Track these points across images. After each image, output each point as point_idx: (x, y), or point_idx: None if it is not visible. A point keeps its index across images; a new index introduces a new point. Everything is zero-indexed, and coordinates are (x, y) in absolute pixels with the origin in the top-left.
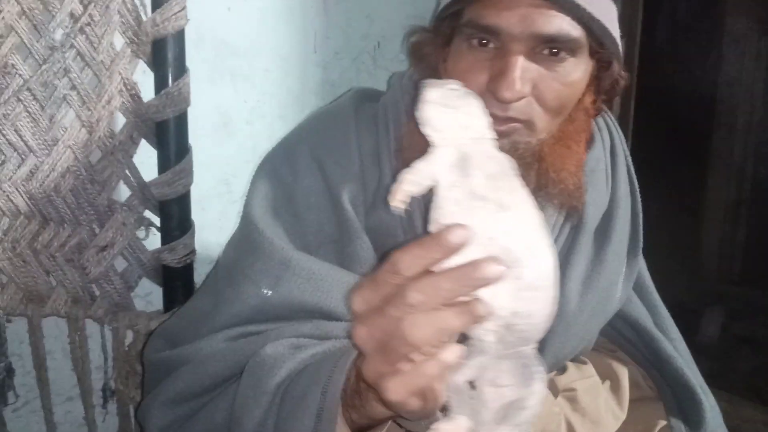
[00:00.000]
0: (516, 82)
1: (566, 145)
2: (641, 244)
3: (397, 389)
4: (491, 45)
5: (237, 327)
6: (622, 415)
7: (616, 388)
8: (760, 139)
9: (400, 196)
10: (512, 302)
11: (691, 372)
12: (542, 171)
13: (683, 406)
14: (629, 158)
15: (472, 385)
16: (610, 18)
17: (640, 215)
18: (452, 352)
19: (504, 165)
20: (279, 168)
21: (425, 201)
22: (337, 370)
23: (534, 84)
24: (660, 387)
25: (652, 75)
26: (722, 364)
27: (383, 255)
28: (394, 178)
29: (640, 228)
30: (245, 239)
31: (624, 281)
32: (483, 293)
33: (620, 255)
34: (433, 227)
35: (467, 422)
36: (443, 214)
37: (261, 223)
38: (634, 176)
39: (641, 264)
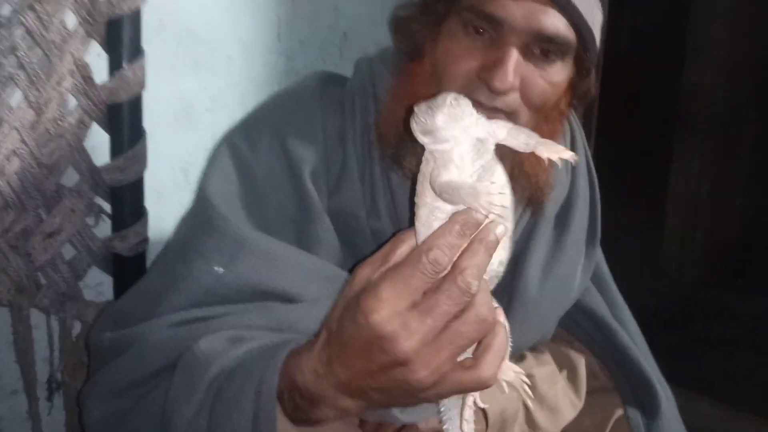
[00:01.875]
0: (510, 73)
1: None
2: (599, 235)
3: (494, 368)
4: (487, 34)
5: (183, 311)
6: (579, 404)
7: (573, 378)
8: (719, 142)
9: (495, 210)
10: (500, 255)
11: (647, 362)
12: (516, 163)
13: (639, 395)
14: (588, 151)
15: None
16: (597, 27)
17: (599, 207)
18: (499, 312)
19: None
20: (239, 145)
21: (390, 184)
22: (270, 369)
23: (522, 80)
24: (616, 377)
25: (615, 78)
26: (679, 362)
27: (346, 239)
28: (358, 162)
29: (599, 219)
30: (199, 216)
31: (583, 271)
32: None
33: (579, 244)
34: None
35: (470, 424)
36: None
37: (216, 199)
38: (593, 169)
39: (599, 256)
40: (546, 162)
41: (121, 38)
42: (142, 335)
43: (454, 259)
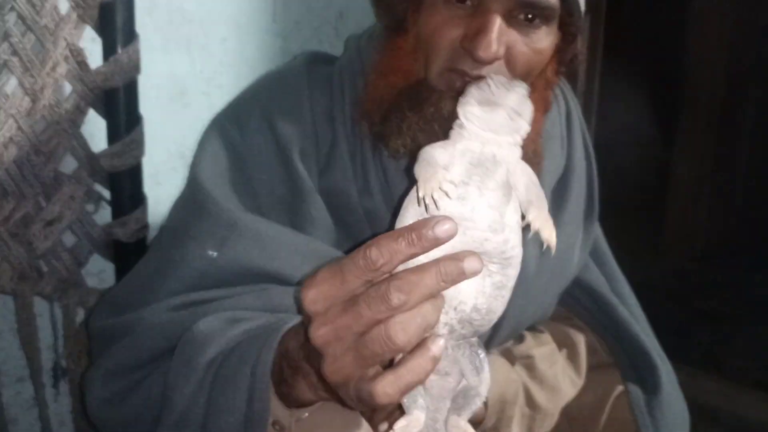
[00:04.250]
0: (494, 42)
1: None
2: (597, 211)
3: (388, 392)
4: (469, 2)
5: (180, 295)
6: (580, 382)
7: (573, 356)
8: (722, 118)
9: (434, 186)
10: (475, 298)
11: (647, 338)
12: None
13: (640, 371)
14: (585, 126)
15: None
16: None
17: (596, 182)
18: (437, 345)
19: (528, 176)
20: (228, 128)
21: (382, 162)
22: (266, 348)
23: (507, 47)
24: (616, 353)
25: (616, 56)
26: (682, 337)
27: (338, 218)
28: (348, 141)
29: (596, 194)
30: (191, 200)
31: (581, 246)
32: (453, 288)
33: (577, 220)
34: (412, 213)
35: (422, 415)
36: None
37: (207, 183)
38: (590, 144)
39: (597, 231)
40: (533, 133)
41: (115, 22)
42: (142, 320)
43: (397, 265)
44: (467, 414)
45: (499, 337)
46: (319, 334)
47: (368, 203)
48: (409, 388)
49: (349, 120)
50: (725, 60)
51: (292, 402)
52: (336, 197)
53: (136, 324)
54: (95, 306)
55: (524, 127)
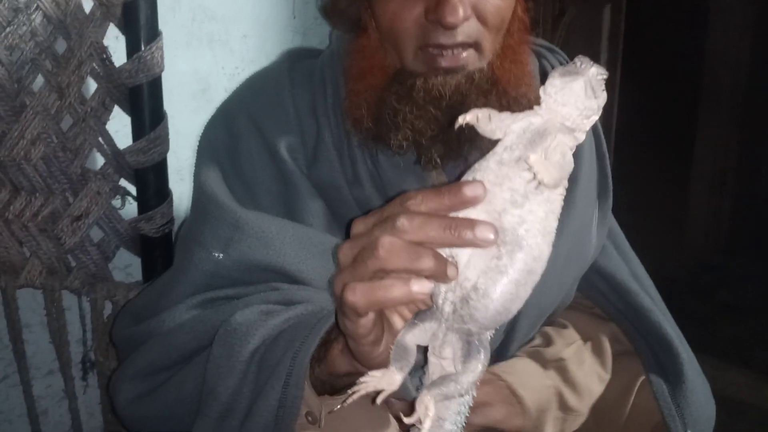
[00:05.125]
0: (458, 4)
1: (514, 60)
2: (611, 188)
3: (357, 292)
4: None
5: (196, 295)
6: (606, 376)
7: (598, 349)
8: (745, 110)
9: (471, 117)
10: (478, 277)
11: (668, 325)
12: (501, 93)
13: (661, 361)
14: None
15: (418, 349)
16: None
17: (606, 157)
18: (421, 285)
19: (566, 165)
20: (220, 135)
21: (371, 156)
22: (312, 334)
23: (473, 4)
24: (637, 343)
25: (637, 46)
26: (708, 330)
27: (332, 210)
28: (333, 133)
29: (608, 170)
30: (197, 208)
31: (598, 226)
32: (460, 258)
33: (589, 198)
34: (468, 176)
35: (399, 376)
36: (481, 166)
37: (210, 187)
38: (597, 122)
39: (611, 216)
40: (527, 77)
41: (138, 20)
42: (163, 323)
43: (424, 205)
44: (439, 394)
45: (522, 327)
46: (342, 248)
47: (358, 193)
48: (375, 302)
49: (332, 112)
50: (748, 50)
51: (326, 377)
52: (327, 190)
53: (158, 327)
54: (116, 317)
55: (593, 114)
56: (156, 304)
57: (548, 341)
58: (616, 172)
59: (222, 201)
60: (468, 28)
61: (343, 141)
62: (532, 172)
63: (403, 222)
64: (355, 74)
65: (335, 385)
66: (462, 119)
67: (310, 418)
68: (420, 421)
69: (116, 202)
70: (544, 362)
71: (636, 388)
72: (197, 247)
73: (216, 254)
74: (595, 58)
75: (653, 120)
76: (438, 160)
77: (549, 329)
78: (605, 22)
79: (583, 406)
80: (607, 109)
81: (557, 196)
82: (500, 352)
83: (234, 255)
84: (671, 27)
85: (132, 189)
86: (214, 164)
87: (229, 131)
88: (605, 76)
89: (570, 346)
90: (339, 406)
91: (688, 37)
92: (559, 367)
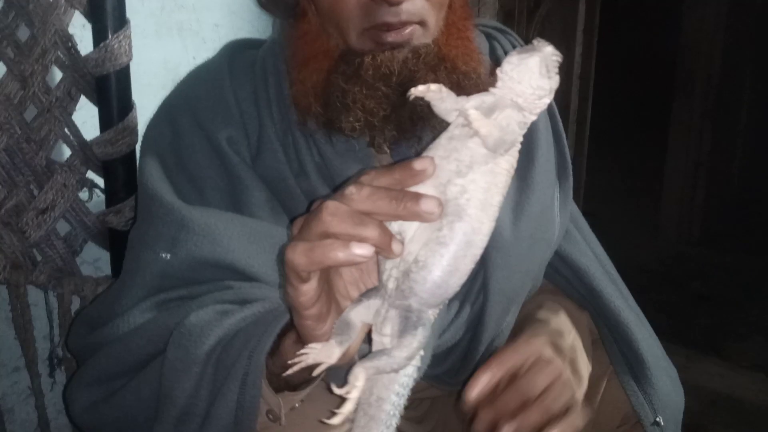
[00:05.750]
0: None
1: (459, 35)
2: (570, 167)
3: (297, 250)
4: None
5: (149, 298)
6: (589, 367)
7: (581, 338)
8: (718, 102)
9: (423, 89)
10: (419, 249)
11: (628, 308)
12: (450, 69)
13: (621, 347)
14: None
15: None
16: None
17: (564, 137)
18: (362, 248)
19: (514, 137)
20: (162, 132)
21: (315, 142)
22: (267, 332)
23: None
24: (600, 329)
25: (612, 39)
26: (681, 320)
27: (279, 203)
28: (275, 124)
29: (566, 149)
30: (142, 208)
31: (561, 207)
32: (407, 234)
33: (549, 177)
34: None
35: (339, 350)
36: (433, 144)
37: (153, 187)
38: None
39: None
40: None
41: (105, 7)
42: (117, 328)
43: (377, 181)
44: (371, 367)
45: (492, 315)
46: (293, 225)
47: (305, 185)
48: (315, 261)
49: (275, 103)
50: (721, 44)
51: (280, 371)
52: (273, 182)
53: (112, 333)
54: (70, 327)
55: (545, 96)
56: (109, 310)
57: (560, 335)
58: (591, 164)
59: (166, 200)
60: (412, 6)
61: (288, 132)
62: (468, 122)
63: (351, 190)
64: (299, 61)
65: (290, 381)
66: (415, 90)
67: (271, 416)
68: (348, 393)
69: (84, 194)
70: (562, 355)
71: (606, 377)
72: (145, 249)
73: (164, 255)
74: (570, 51)
75: (627, 112)
76: (391, 142)
77: (551, 318)
78: (580, 15)
79: (581, 396)
80: (582, 102)
81: (502, 170)
82: (472, 344)
83: (182, 254)
84: (645, 20)
85: (100, 181)
86: (157, 162)
87: (171, 127)
88: (560, 59)
89: (567, 335)
90: (297, 405)
91: (662, 30)
92: (572, 359)
